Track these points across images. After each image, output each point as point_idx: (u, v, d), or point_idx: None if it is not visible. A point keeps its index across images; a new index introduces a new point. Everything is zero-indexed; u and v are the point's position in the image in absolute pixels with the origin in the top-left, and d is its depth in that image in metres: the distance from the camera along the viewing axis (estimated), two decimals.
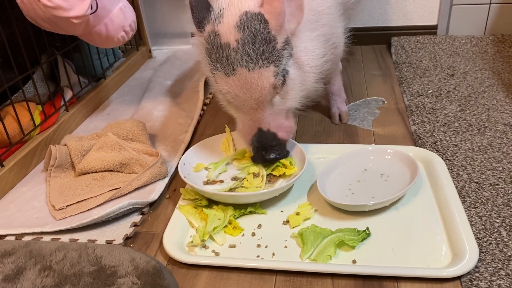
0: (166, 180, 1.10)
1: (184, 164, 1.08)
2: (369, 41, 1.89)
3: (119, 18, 1.17)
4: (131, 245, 0.94)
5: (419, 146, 1.17)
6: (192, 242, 0.90)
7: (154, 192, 1.06)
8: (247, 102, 0.94)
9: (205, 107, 1.47)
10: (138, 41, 1.88)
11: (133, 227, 0.97)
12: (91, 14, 1.09)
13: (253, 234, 0.92)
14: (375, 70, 1.67)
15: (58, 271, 0.84)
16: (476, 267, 0.80)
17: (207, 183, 1.07)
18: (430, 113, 1.32)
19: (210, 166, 1.11)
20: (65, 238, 0.96)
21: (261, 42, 0.90)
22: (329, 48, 1.10)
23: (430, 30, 1.85)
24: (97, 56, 1.54)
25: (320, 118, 1.37)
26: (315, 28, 1.04)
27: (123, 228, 0.97)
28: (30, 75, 1.25)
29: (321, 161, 1.14)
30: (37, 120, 1.26)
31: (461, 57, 1.67)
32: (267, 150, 0.99)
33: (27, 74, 1.23)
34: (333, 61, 1.21)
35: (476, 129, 1.22)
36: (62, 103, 1.37)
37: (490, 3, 1.76)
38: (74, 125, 1.39)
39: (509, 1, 1.75)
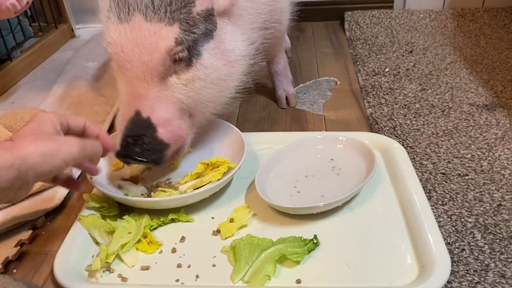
0: None
1: None
2: (321, 17, 1.71)
3: None
4: (14, 270, 0.72)
5: (376, 132, 1.00)
6: (91, 265, 0.69)
7: (53, 199, 0.84)
8: (132, 63, 0.71)
9: None
10: (57, 17, 1.62)
11: (19, 247, 0.75)
12: None
13: (174, 250, 0.73)
14: (327, 47, 1.50)
15: None
16: (448, 282, 0.65)
17: (126, 181, 0.86)
18: (387, 93, 1.16)
19: None
20: None
21: None
22: (271, 26, 0.92)
23: (386, 4, 1.69)
24: None
25: (265, 102, 1.19)
26: (256, 6, 0.86)
27: (5, 248, 0.75)
28: None
29: (264, 152, 0.95)
30: None
31: (419, 33, 1.52)
32: (135, 148, 0.72)
33: None
34: (276, 38, 1.03)
35: (439, 110, 1.07)
36: None
37: None
38: None
39: None
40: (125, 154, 0.73)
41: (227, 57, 0.78)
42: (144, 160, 0.73)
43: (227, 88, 0.80)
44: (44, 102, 1.18)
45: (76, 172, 0.92)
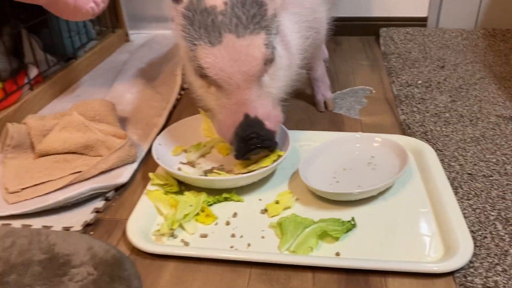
0: (135, 164, 1.01)
1: (160, 144, 0.99)
2: (357, 32, 1.82)
3: None
4: (91, 232, 0.85)
5: (409, 136, 1.09)
6: (159, 230, 0.81)
7: (121, 176, 0.96)
8: (234, 77, 0.81)
9: (182, 92, 1.38)
10: (114, 23, 1.78)
11: (95, 214, 0.88)
12: None
13: (228, 223, 0.84)
14: (362, 60, 1.60)
15: (5, 259, 0.74)
16: (470, 262, 0.73)
17: (184, 165, 0.98)
18: (420, 103, 1.25)
19: (190, 149, 1.02)
20: (17, 223, 0.86)
21: (252, 4, 0.80)
22: (311, 33, 1.03)
23: (420, 22, 1.78)
24: (68, 34, 1.44)
25: (304, 106, 1.29)
26: (298, 11, 0.96)
27: (83, 214, 0.87)
28: None
29: (304, 148, 1.05)
30: None
31: (451, 50, 1.61)
32: (254, 141, 0.84)
33: None
34: (315, 46, 1.14)
35: (468, 120, 1.16)
36: (26, 81, 1.26)
37: None
38: (38, 105, 1.28)
39: None
40: (247, 150, 0.84)
41: (289, 49, 0.89)
42: (266, 147, 0.85)
43: (290, 76, 0.91)
44: (106, 96, 1.32)
45: (140, 154, 1.04)
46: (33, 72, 1.29)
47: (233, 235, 0.81)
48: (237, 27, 0.78)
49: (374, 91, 1.36)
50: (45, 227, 0.85)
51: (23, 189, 0.93)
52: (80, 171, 0.96)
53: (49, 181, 0.95)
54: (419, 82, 1.38)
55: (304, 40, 0.95)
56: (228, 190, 0.90)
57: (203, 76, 0.84)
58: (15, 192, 0.92)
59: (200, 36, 0.80)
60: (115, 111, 1.12)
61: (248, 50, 0.79)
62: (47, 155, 1.02)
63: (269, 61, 0.83)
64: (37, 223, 0.86)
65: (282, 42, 0.87)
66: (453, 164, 0.99)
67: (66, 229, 0.84)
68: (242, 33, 0.79)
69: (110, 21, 1.76)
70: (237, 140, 0.85)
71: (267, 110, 0.86)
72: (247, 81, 0.82)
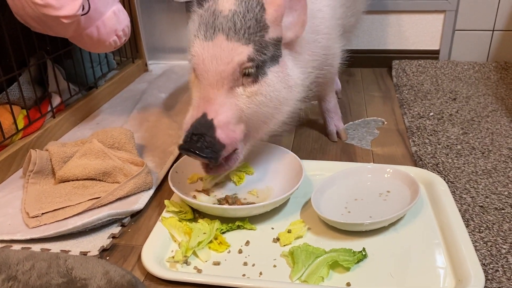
0: (151, 191, 1.04)
1: (176, 172, 1.02)
2: (369, 64, 1.85)
3: (112, 22, 1.13)
4: (107, 257, 0.87)
5: (420, 167, 1.11)
6: (173, 257, 0.83)
7: (137, 203, 0.99)
8: (209, 72, 0.85)
9: None
10: (134, 53, 1.85)
11: (111, 239, 0.90)
12: (82, 15, 1.05)
13: (240, 251, 0.85)
14: (375, 91, 1.63)
15: (24, 282, 0.77)
16: None
17: (199, 192, 1.00)
18: (431, 135, 1.27)
19: (206, 177, 1.05)
20: (36, 247, 0.89)
21: (251, 19, 0.86)
22: (324, 68, 1.06)
23: (432, 54, 1.82)
24: (90, 64, 1.50)
25: (317, 135, 1.32)
26: (313, 49, 1.00)
27: (100, 239, 0.90)
28: (16, 77, 1.19)
29: (316, 178, 1.07)
30: (20, 125, 1.20)
31: (463, 82, 1.63)
32: (194, 144, 0.84)
33: (13, 76, 1.18)
34: (328, 80, 1.17)
35: (479, 152, 1.17)
36: (49, 109, 1.31)
37: (493, 30, 1.74)
38: (60, 132, 1.33)
39: None
40: (188, 148, 0.85)
41: (287, 82, 0.91)
42: (203, 155, 0.84)
43: (282, 110, 0.92)
44: (125, 124, 1.36)
45: (155, 181, 1.07)
46: (56, 100, 1.35)
47: (245, 263, 0.82)
48: (229, 30, 0.85)
49: (386, 122, 1.38)
50: (63, 251, 0.87)
51: (43, 213, 0.96)
52: (98, 197, 0.99)
53: (68, 206, 0.98)
54: (431, 114, 1.40)
55: (307, 80, 0.97)
56: (241, 219, 0.92)
57: (193, 68, 0.90)
58: (36, 216, 0.95)
59: (200, 31, 0.88)
60: (133, 139, 1.16)
61: (229, 53, 0.84)
62: (67, 180, 1.05)
63: (249, 74, 0.86)
64: (55, 247, 0.89)
65: (280, 74, 0.90)
66: (464, 196, 1.00)
67: (84, 253, 0.86)
68: (231, 37, 0.85)
69: (130, 52, 1.83)
70: (185, 134, 0.87)
71: (227, 121, 0.86)
72: (219, 81, 0.85)
